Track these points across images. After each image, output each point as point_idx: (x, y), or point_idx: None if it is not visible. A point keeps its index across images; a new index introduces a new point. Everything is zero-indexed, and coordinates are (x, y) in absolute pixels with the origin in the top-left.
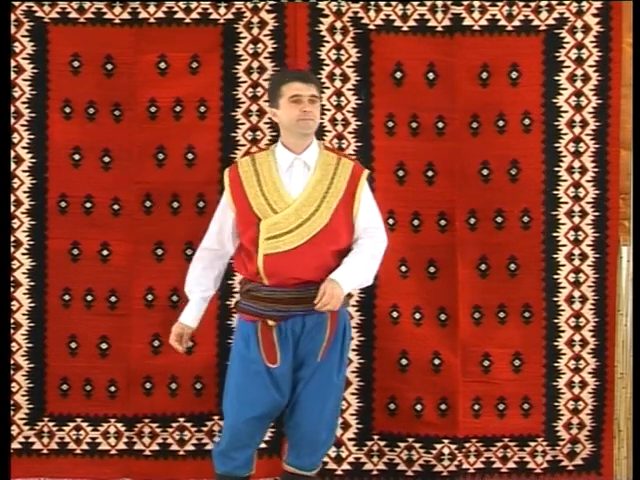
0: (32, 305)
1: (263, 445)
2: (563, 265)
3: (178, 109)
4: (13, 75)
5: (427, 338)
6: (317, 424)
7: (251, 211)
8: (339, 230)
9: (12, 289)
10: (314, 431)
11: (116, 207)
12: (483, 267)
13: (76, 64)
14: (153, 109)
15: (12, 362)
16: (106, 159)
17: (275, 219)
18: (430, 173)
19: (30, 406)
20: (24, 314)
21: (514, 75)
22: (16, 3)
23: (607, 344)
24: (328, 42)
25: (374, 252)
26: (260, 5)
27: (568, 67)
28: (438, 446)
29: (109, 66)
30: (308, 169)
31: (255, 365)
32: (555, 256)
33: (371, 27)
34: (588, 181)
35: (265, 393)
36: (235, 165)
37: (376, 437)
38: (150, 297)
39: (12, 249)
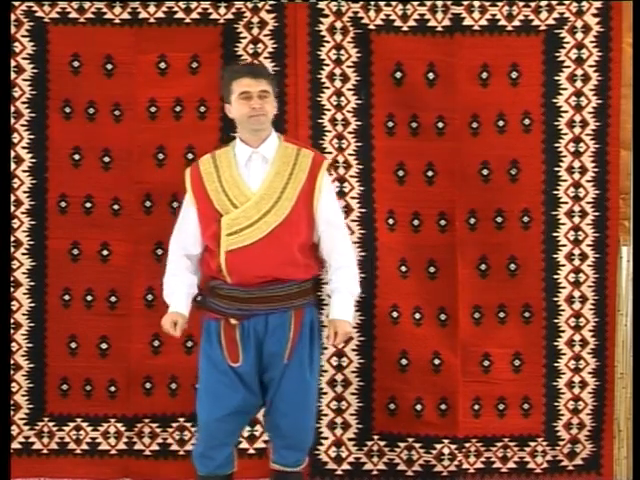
0: (32, 305)
1: (261, 445)
2: (563, 265)
3: (178, 109)
4: (13, 75)
5: (427, 338)
6: (295, 425)
7: (212, 208)
8: (300, 222)
9: (12, 289)
10: (293, 432)
11: (116, 207)
12: (483, 267)
13: (76, 64)
14: (153, 109)
15: (12, 362)
16: (106, 159)
17: (235, 214)
18: (430, 173)
19: (30, 406)
20: (24, 314)
21: (514, 75)
22: (16, 3)
23: (607, 344)
24: (328, 42)
25: (349, 264)
26: (260, 5)
27: (568, 67)
28: (438, 446)
29: (109, 66)
30: (266, 162)
31: (220, 364)
32: (555, 256)
33: (371, 27)
34: (588, 181)
35: (233, 391)
36: (196, 164)
37: (376, 437)
38: (150, 297)
39: (12, 249)
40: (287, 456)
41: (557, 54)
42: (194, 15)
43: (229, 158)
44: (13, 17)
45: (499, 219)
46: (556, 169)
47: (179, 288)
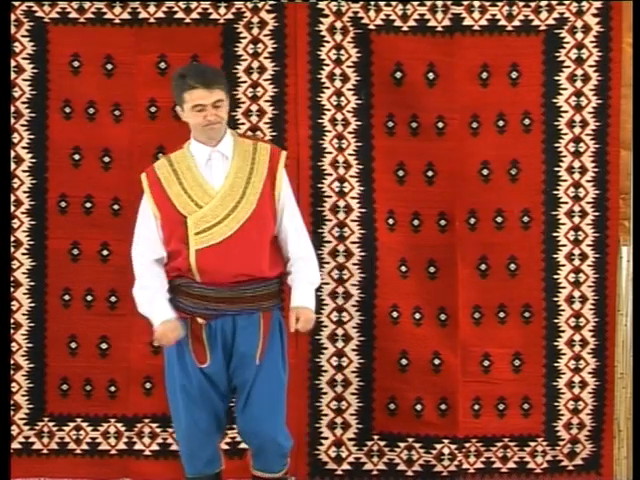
0: (32, 305)
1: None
2: (563, 265)
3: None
4: (13, 75)
5: (427, 338)
6: (274, 428)
7: (176, 211)
8: (267, 215)
9: (12, 289)
10: (272, 436)
11: (116, 207)
12: (483, 267)
13: (76, 64)
14: (153, 109)
15: (12, 362)
16: (106, 159)
17: (202, 213)
18: (430, 173)
19: (30, 406)
20: (24, 314)
21: (514, 75)
22: (16, 3)
23: (607, 344)
24: (328, 42)
25: (309, 255)
26: (260, 5)
27: (568, 67)
28: (438, 446)
29: (109, 66)
30: (226, 159)
31: (189, 365)
32: (555, 256)
33: (371, 27)
34: (588, 181)
35: (203, 394)
36: (151, 169)
37: (376, 437)
38: None
39: (12, 249)
40: (269, 462)
41: (557, 54)
42: (194, 15)
43: (187, 159)
44: (13, 17)
45: (499, 219)
46: (556, 169)
47: (159, 296)
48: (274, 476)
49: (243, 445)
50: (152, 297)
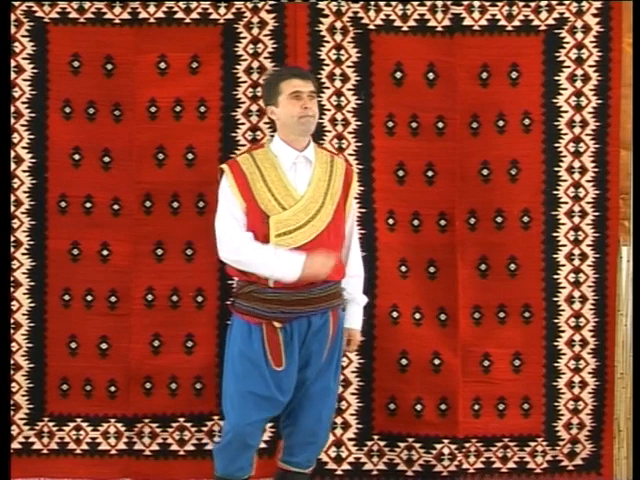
0: (32, 305)
1: (263, 445)
2: (563, 265)
3: (178, 109)
4: (13, 75)
5: (427, 338)
6: (316, 424)
7: (258, 208)
8: (340, 226)
9: (12, 289)
10: (313, 431)
11: (116, 207)
12: (483, 267)
13: (76, 64)
14: (153, 109)
15: (12, 362)
16: (106, 159)
17: (285, 215)
18: (430, 173)
19: (30, 406)
20: (24, 314)
21: (514, 75)
22: (16, 3)
23: (607, 344)
24: (328, 42)
25: (361, 274)
26: (260, 5)
27: (568, 67)
28: (438, 446)
29: (109, 66)
30: (310, 165)
31: (259, 367)
32: (555, 256)
33: (371, 27)
34: (588, 181)
35: (269, 395)
36: (235, 162)
37: (376, 437)
38: (150, 297)
39: (12, 249)
40: (300, 455)
41: (557, 54)
42: (194, 15)
43: (271, 159)
44: (13, 17)
45: (499, 219)
46: (556, 169)
47: (280, 250)
48: (302, 471)
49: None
50: (274, 251)
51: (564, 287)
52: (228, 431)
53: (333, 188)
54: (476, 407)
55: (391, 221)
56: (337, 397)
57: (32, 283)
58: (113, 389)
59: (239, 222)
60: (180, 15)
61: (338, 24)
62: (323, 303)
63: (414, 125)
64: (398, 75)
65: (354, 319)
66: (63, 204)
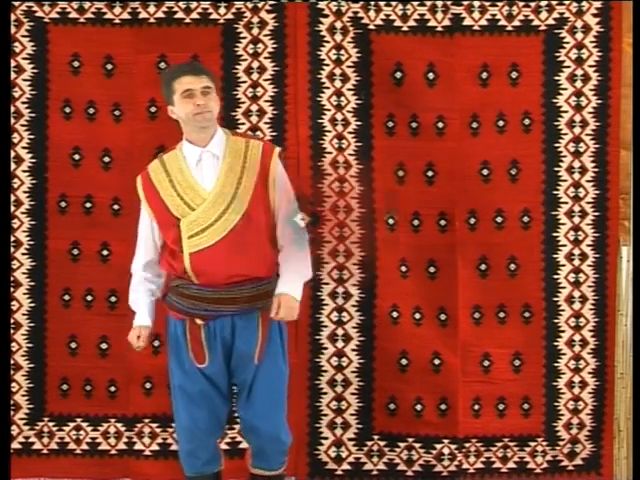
0: (32, 305)
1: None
2: (563, 265)
3: None
4: (13, 75)
5: (427, 338)
6: (275, 426)
7: (169, 212)
8: (259, 215)
9: (12, 289)
10: (274, 434)
11: (116, 207)
12: (483, 267)
13: (76, 64)
14: (153, 109)
15: (12, 362)
16: (106, 159)
17: (194, 216)
18: (430, 173)
19: (30, 406)
20: (24, 314)
21: (514, 75)
22: (16, 3)
23: (607, 344)
24: (328, 42)
25: (302, 247)
26: (260, 5)
27: (568, 67)
28: (438, 446)
29: (109, 66)
30: (217, 159)
31: (188, 365)
32: (555, 256)
33: (371, 27)
34: (588, 181)
35: (200, 389)
36: (145, 171)
37: (376, 437)
38: None
39: (12, 249)
40: (269, 459)
41: (557, 54)
42: (194, 15)
43: (178, 160)
44: (13, 17)
45: (499, 219)
46: (556, 169)
47: (140, 302)
48: (273, 474)
49: (243, 445)
50: (136, 300)
51: (564, 287)
52: (180, 431)
53: (248, 176)
54: (476, 407)
55: (391, 221)
56: (286, 397)
57: (32, 283)
58: (113, 389)
59: (150, 235)
60: (180, 15)
61: (338, 24)
62: (247, 304)
63: (414, 125)
64: (398, 75)
65: (282, 285)
66: (63, 204)
